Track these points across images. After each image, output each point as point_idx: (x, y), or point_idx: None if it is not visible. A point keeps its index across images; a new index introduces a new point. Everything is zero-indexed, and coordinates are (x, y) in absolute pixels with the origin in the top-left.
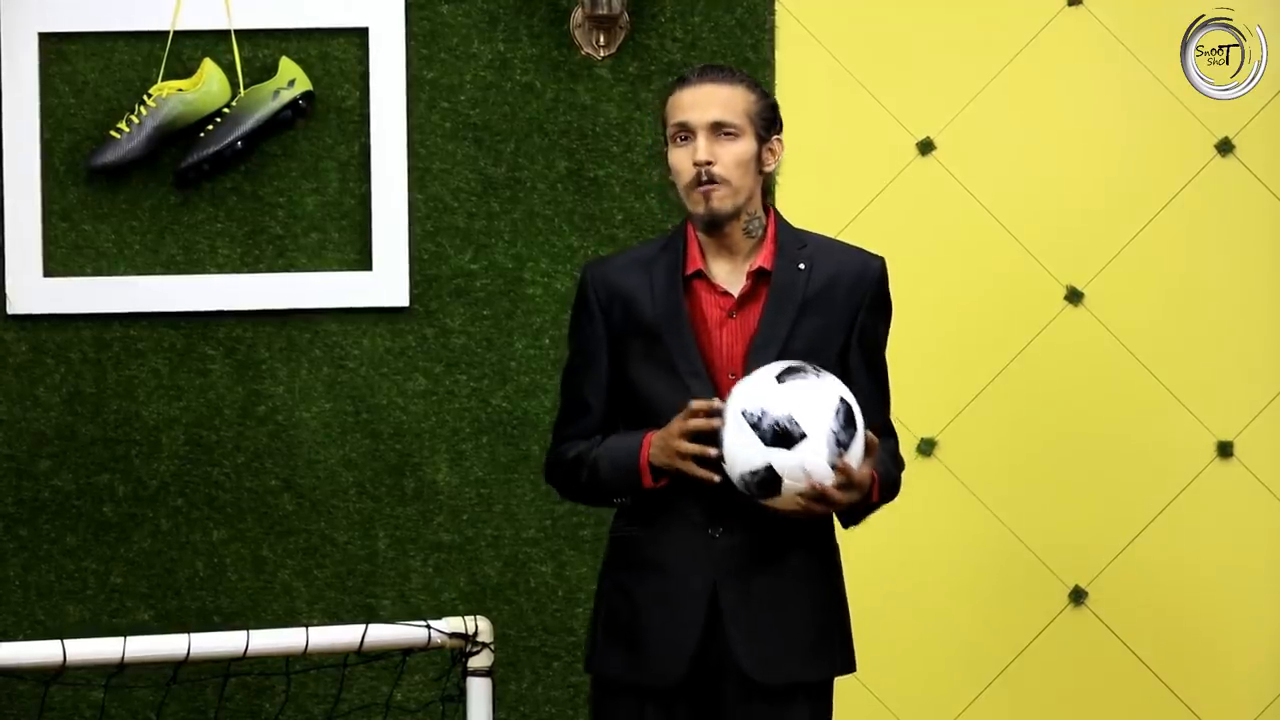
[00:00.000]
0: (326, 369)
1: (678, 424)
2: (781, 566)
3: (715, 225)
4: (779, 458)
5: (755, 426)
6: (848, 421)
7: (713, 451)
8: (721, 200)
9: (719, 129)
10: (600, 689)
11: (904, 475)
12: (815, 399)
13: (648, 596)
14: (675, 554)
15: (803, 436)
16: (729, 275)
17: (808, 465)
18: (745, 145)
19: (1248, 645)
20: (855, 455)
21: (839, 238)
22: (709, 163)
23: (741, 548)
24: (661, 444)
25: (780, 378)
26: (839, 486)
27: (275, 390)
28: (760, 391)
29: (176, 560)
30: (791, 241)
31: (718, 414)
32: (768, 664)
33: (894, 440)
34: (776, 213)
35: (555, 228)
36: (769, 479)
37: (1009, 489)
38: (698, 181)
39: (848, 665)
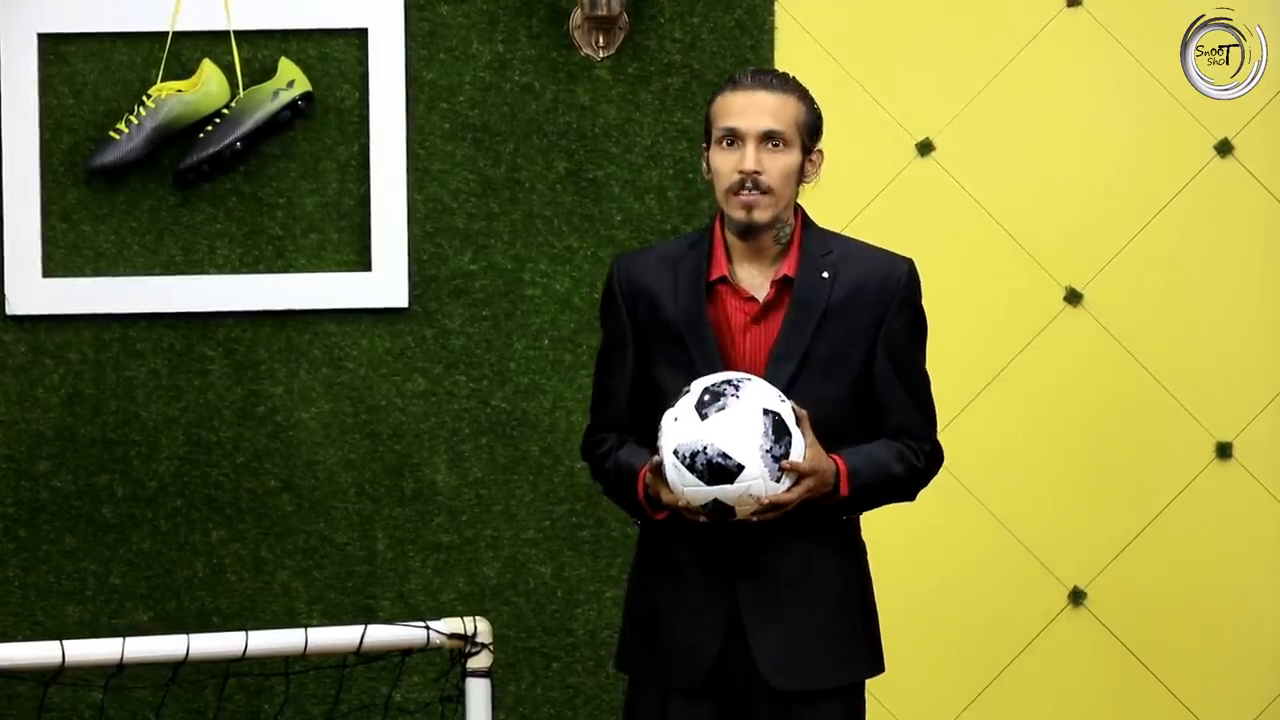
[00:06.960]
0: (326, 370)
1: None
2: (804, 568)
3: (750, 233)
4: (723, 491)
5: (691, 467)
6: (778, 432)
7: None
8: (764, 211)
9: (769, 139)
10: (630, 686)
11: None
12: (741, 425)
13: (670, 599)
14: (696, 556)
15: (739, 468)
16: (754, 280)
17: (754, 491)
18: (792, 157)
19: (1247, 645)
20: (797, 456)
21: None
22: (757, 172)
23: (761, 549)
24: (648, 485)
25: (703, 412)
26: (793, 485)
27: (274, 391)
28: (687, 430)
29: (175, 561)
30: (817, 247)
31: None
32: (789, 671)
33: (916, 444)
34: (804, 214)
35: (554, 228)
36: (720, 508)
37: (1008, 489)
38: (740, 188)
39: (874, 667)
